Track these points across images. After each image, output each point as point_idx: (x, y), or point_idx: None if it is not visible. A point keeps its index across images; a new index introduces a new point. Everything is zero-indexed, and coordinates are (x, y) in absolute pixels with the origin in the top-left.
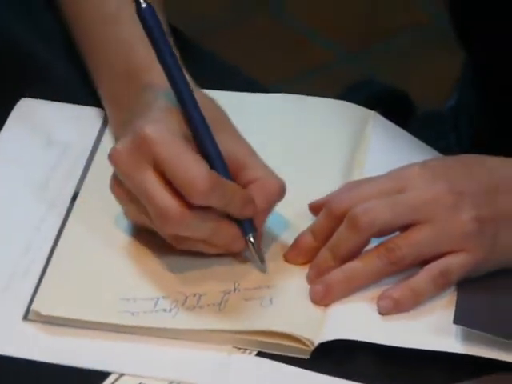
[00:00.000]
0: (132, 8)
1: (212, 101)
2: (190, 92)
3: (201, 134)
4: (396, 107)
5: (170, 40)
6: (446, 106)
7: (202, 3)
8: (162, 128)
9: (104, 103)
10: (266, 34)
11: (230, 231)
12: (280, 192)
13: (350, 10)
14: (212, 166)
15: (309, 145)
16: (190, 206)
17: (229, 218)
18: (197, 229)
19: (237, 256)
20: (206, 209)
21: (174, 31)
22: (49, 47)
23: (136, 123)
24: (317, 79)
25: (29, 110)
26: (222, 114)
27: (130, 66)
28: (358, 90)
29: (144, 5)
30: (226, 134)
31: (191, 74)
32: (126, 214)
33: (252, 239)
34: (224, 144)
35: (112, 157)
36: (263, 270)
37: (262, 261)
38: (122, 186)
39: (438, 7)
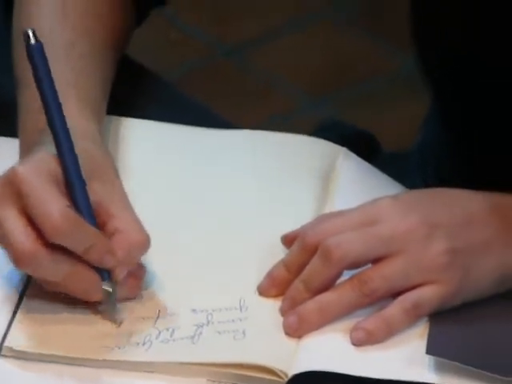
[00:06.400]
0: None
1: (100, 151)
2: (67, 138)
3: (71, 179)
4: (361, 147)
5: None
6: (411, 146)
7: (177, 51)
8: (32, 168)
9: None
10: (229, 81)
11: (88, 277)
12: (142, 246)
13: (315, 57)
14: (78, 212)
15: (280, 179)
16: (47, 245)
17: (89, 265)
18: (50, 270)
19: None
20: (64, 252)
21: (146, 72)
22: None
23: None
24: (282, 125)
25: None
26: (106, 163)
27: (36, 109)
28: (325, 131)
29: (33, 41)
30: (101, 183)
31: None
32: None
33: (109, 288)
34: (97, 192)
35: None
36: (117, 325)
37: (115, 312)
38: None
39: (402, 55)
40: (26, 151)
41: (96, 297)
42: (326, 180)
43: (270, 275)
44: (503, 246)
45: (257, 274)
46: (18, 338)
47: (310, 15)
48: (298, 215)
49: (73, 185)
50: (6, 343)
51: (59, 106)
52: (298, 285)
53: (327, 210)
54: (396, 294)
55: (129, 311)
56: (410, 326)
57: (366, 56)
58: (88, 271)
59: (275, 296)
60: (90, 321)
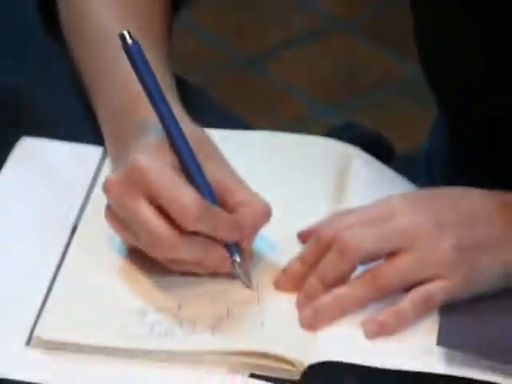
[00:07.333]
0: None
1: (201, 131)
2: (177, 125)
3: (188, 163)
4: (376, 149)
5: (168, 80)
6: (420, 150)
7: (195, 59)
8: (152, 158)
9: (105, 137)
10: (247, 88)
11: (218, 253)
12: (265, 214)
13: (328, 66)
14: (200, 193)
15: (296, 177)
16: (180, 230)
17: (217, 240)
18: (188, 252)
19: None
20: (195, 233)
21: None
22: (45, 88)
23: (129, 155)
24: (296, 128)
25: (29, 149)
26: (210, 143)
27: (126, 100)
28: (339, 133)
29: (130, 42)
30: (213, 161)
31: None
32: (123, 240)
33: (238, 259)
34: (211, 171)
35: (106, 186)
36: (250, 288)
37: (249, 280)
38: (115, 215)
39: (411, 64)
40: (124, 139)
41: (225, 269)
42: (340, 178)
43: (286, 270)
44: (509, 243)
45: (274, 267)
46: (46, 328)
47: (324, 27)
48: (313, 212)
49: (190, 169)
50: (35, 333)
51: (165, 97)
52: (313, 279)
53: (342, 206)
54: (407, 289)
55: (150, 301)
56: (420, 319)
57: (377, 65)
58: (217, 248)
59: (291, 290)
60: (115, 311)
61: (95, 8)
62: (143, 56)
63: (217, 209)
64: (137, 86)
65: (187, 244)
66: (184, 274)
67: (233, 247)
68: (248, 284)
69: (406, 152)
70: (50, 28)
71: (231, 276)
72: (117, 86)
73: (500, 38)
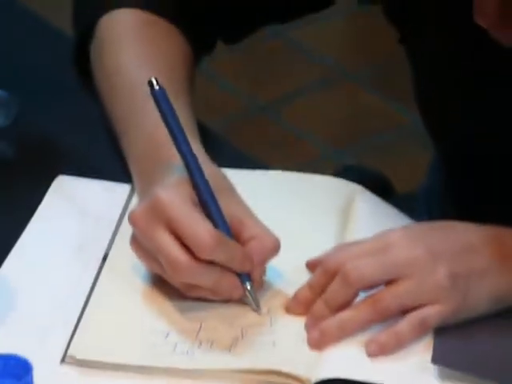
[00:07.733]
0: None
1: (218, 171)
2: (197, 163)
3: (206, 198)
4: (377, 189)
5: (190, 122)
6: (419, 189)
7: (220, 104)
8: (173, 193)
9: (133, 177)
10: (264, 132)
11: (231, 281)
12: (275, 248)
13: (337, 113)
14: (216, 226)
15: (305, 214)
16: (197, 258)
17: (230, 269)
18: (203, 277)
19: (239, 302)
20: (210, 262)
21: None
22: (79, 130)
23: (152, 191)
24: (307, 169)
25: (64, 186)
26: (226, 182)
27: (152, 145)
28: (343, 174)
29: (157, 88)
30: (229, 198)
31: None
32: (146, 266)
33: (249, 287)
34: (227, 207)
35: (131, 218)
36: (259, 313)
37: (258, 306)
38: (139, 243)
39: (411, 111)
40: (150, 180)
41: (237, 296)
42: (345, 213)
43: (296, 296)
44: (498, 272)
45: (285, 294)
46: (79, 348)
47: (333, 77)
48: (320, 244)
49: (208, 204)
50: (70, 352)
51: (186, 137)
52: (320, 304)
53: (347, 239)
54: (405, 313)
55: (172, 323)
56: (417, 340)
57: (381, 112)
58: (231, 276)
59: (301, 313)
60: (140, 332)
61: (124, 62)
62: (168, 100)
63: (230, 241)
64: (161, 134)
65: (203, 270)
66: (201, 300)
67: (244, 276)
68: (257, 309)
69: (406, 190)
70: (85, 81)
71: (244, 301)
72: (144, 132)
73: (496, 87)
